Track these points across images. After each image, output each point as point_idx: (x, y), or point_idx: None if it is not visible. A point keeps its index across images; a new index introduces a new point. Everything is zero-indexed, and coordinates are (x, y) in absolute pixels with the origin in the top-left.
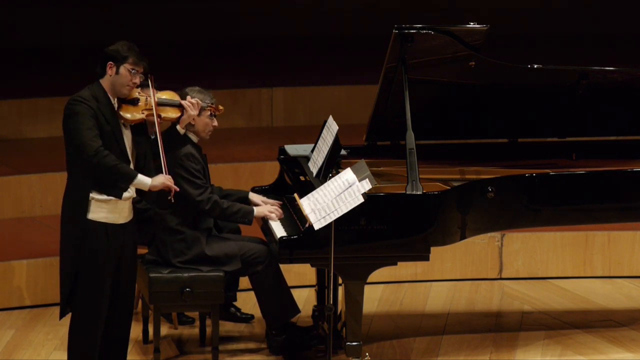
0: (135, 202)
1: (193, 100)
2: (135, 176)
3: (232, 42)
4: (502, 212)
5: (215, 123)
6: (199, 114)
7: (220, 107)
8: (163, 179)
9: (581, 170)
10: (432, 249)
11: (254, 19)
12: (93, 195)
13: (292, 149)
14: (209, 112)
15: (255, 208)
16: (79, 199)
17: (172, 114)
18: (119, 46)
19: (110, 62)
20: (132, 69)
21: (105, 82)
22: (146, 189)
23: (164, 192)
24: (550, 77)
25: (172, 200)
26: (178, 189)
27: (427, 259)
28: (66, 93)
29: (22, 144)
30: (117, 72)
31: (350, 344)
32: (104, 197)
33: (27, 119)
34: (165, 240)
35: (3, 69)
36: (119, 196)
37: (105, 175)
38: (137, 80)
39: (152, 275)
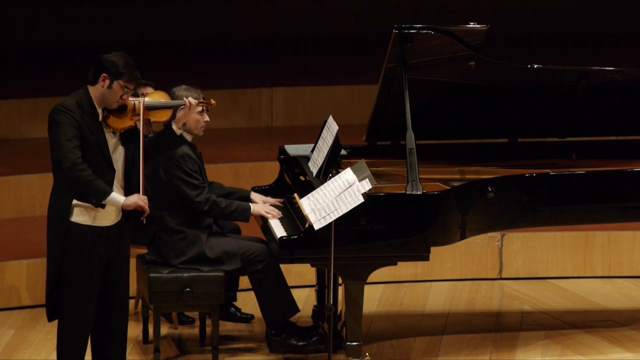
0: None
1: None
2: (108, 194)
3: (232, 42)
4: (502, 212)
5: (207, 118)
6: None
7: (212, 102)
8: (136, 199)
9: (581, 170)
10: (432, 249)
11: (254, 19)
12: (75, 201)
13: (292, 149)
14: (199, 108)
15: (252, 205)
16: (62, 205)
17: (162, 116)
18: (116, 59)
19: (104, 74)
20: (125, 87)
21: (94, 90)
22: (119, 207)
23: (137, 211)
24: (550, 77)
25: (144, 222)
26: (149, 211)
27: (427, 259)
28: (66, 93)
29: (22, 144)
30: (109, 87)
31: (350, 344)
32: (86, 204)
33: (27, 119)
34: (166, 240)
35: (3, 69)
36: (101, 206)
37: (78, 188)
38: (127, 97)
39: (152, 275)
